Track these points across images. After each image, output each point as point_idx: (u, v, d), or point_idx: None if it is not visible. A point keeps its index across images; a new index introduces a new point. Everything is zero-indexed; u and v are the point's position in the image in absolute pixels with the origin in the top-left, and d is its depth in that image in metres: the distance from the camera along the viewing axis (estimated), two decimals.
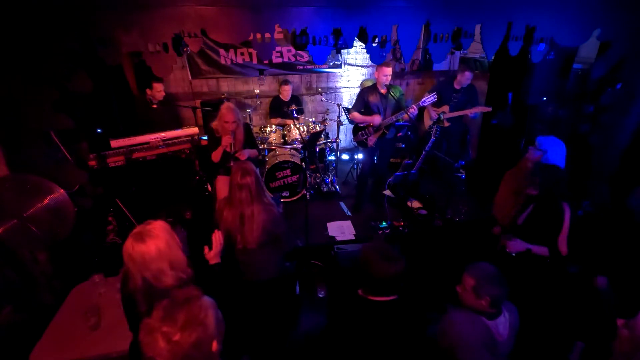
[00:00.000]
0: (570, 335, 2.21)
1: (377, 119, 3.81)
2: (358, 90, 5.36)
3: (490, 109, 4.17)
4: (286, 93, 5.01)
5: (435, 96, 3.76)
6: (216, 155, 3.06)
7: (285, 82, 5.02)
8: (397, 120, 3.82)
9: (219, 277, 1.85)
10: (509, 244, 2.40)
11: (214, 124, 3.07)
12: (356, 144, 4.28)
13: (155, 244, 1.50)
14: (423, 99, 3.74)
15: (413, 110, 3.63)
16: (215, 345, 1.07)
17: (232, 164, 3.02)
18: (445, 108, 4.35)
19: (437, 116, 4.35)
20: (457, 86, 4.30)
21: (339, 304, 1.76)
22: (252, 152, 3.18)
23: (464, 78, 4.20)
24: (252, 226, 2.12)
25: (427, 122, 4.65)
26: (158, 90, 4.20)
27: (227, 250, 2.27)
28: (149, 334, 1.00)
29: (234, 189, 2.13)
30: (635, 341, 1.34)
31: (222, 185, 3.27)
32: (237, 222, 2.13)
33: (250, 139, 3.21)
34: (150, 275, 1.50)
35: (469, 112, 4.20)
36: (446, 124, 4.36)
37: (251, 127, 3.41)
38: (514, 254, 2.40)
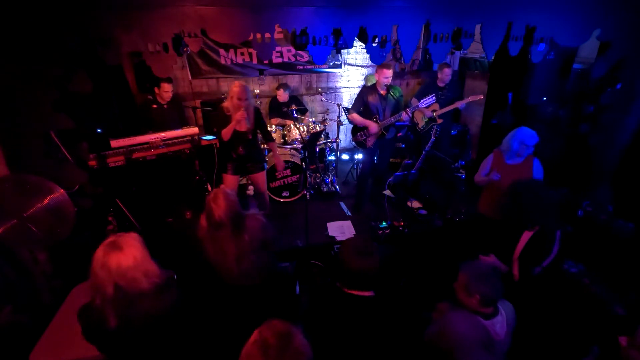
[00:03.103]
0: (586, 340, 2.20)
1: (374, 128, 3.82)
2: (358, 89, 5.35)
3: (482, 97, 4.27)
4: (280, 98, 5.04)
5: (434, 98, 3.78)
6: (226, 133, 3.12)
7: (279, 87, 5.02)
8: (397, 121, 3.82)
9: None
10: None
11: (225, 103, 3.16)
12: (355, 144, 4.29)
13: (132, 252, 1.48)
14: (422, 101, 3.75)
15: (409, 111, 3.66)
16: None
17: (240, 150, 3.25)
18: (436, 106, 4.43)
19: (431, 114, 4.38)
20: (440, 84, 4.48)
21: (316, 293, 1.77)
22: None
23: (444, 75, 4.40)
24: (234, 258, 2.02)
25: (420, 122, 4.68)
26: (166, 91, 4.15)
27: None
28: None
29: (211, 227, 2.04)
30: None
31: (228, 184, 3.40)
32: (220, 257, 2.05)
33: (259, 121, 3.31)
34: (125, 283, 1.46)
35: (459, 104, 4.32)
36: (439, 121, 4.53)
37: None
38: None
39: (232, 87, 3.08)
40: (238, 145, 3.26)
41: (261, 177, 3.55)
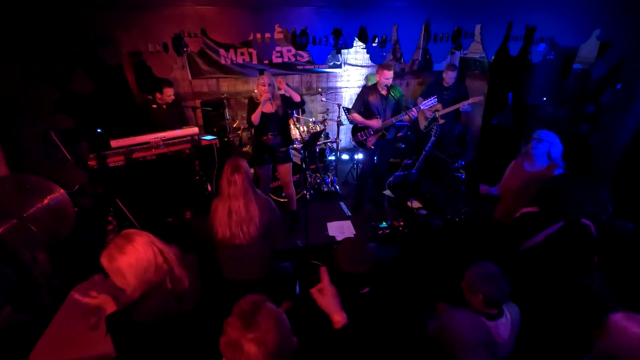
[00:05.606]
0: (586, 340, 2.19)
1: (376, 124, 3.81)
2: (358, 89, 5.35)
3: (481, 98, 4.30)
4: None
5: (436, 99, 3.78)
6: (255, 117, 3.38)
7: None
8: (398, 121, 3.82)
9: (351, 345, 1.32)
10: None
11: (254, 93, 3.52)
12: (355, 144, 4.29)
13: (134, 249, 1.50)
14: (424, 102, 3.75)
15: (413, 113, 3.67)
16: (295, 340, 1.14)
17: (269, 136, 3.51)
18: (439, 106, 4.44)
19: (433, 114, 4.38)
20: (445, 84, 4.56)
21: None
22: (294, 94, 3.51)
23: (448, 77, 4.53)
24: (240, 220, 2.17)
25: (422, 122, 4.68)
26: (168, 95, 4.22)
27: (215, 249, 2.30)
28: (236, 347, 1.01)
29: (224, 184, 2.20)
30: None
31: (263, 174, 3.75)
32: (226, 217, 2.18)
33: (286, 99, 3.55)
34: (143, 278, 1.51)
35: (461, 105, 4.35)
36: (441, 121, 4.54)
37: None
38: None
39: (259, 77, 3.46)
40: (269, 129, 3.49)
41: (288, 167, 3.71)
